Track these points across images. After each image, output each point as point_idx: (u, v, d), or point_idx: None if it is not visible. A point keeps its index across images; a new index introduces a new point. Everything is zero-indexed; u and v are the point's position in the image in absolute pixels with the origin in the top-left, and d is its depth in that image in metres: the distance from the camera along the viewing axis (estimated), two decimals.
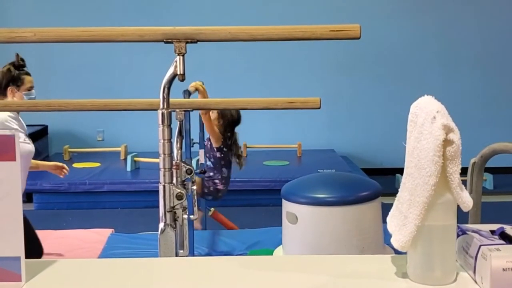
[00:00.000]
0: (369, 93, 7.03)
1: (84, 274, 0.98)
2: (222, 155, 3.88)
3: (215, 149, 3.86)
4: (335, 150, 6.87)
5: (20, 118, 3.08)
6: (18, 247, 0.87)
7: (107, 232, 4.42)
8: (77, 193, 5.40)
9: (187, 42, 1.33)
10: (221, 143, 3.87)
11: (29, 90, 3.04)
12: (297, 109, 2.05)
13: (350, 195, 3.32)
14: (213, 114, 3.89)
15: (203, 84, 3.78)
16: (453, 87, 6.79)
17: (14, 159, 0.85)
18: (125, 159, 6.16)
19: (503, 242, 0.89)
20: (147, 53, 6.30)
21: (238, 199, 5.51)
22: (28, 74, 3.08)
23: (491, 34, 6.94)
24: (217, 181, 3.92)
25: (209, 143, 3.94)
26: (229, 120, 3.89)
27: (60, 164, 3.39)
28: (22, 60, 3.07)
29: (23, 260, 0.88)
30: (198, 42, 1.35)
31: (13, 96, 2.97)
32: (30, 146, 3.04)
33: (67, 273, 0.97)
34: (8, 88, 2.97)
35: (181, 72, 1.33)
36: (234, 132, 3.97)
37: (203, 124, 4.22)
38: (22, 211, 0.87)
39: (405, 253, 0.93)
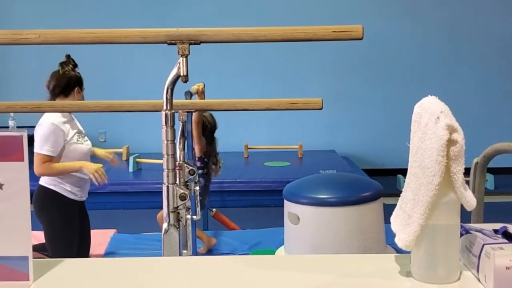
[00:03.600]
0: (370, 93, 7.03)
1: (90, 273, 0.99)
2: (202, 165, 3.86)
3: (196, 158, 3.85)
4: (336, 151, 6.87)
5: (74, 119, 3.11)
6: (26, 247, 0.88)
7: (110, 232, 4.43)
8: None
9: (190, 44, 1.33)
10: (203, 154, 3.86)
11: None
12: (299, 109, 2.06)
13: (351, 196, 3.32)
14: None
15: (204, 86, 3.79)
16: (455, 88, 6.79)
17: (22, 159, 0.86)
18: (127, 160, 6.16)
19: (506, 241, 0.89)
20: (150, 54, 6.31)
21: (240, 200, 5.52)
22: None
23: (494, 34, 6.94)
24: None
25: (192, 151, 3.91)
26: (209, 129, 3.88)
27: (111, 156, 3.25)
28: (74, 60, 3.10)
29: (31, 260, 0.89)
30: (201, 44, 1.36)
31: (76, 97, 3.02)
32: (82, 146, 3.06)
33: (73, 272, 0.98)
34: (76, 89, 3.03)
35: (184, 74, 1.34)
36: (214, 138, 3.96)
37: None
38: (30, 211, 0.88)
39: (407, 252, 0.93)
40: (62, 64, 3.04)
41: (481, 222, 1.73)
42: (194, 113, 3.71)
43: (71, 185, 3.03)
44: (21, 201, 0.87)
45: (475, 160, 1.99)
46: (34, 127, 3.02)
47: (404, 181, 0.97)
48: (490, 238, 0.90)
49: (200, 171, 3.83)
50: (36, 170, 2.94)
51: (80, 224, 3.15)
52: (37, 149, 2.92)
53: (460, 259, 0.94)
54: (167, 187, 1.37)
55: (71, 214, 3.08)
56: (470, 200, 0.89)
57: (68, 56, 3.07)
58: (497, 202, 5.12)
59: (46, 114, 2.97)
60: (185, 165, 1.94)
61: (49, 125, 2.91)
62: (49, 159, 2.92)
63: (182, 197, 1.39)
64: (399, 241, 0.91)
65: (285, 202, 3.48)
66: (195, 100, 3.38)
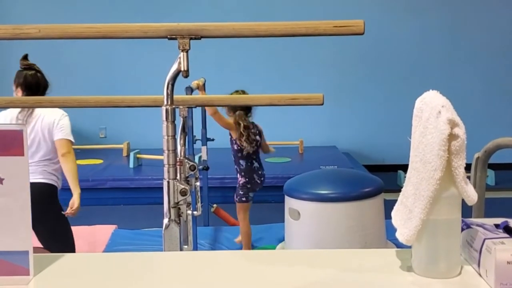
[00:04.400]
0: (371, 89, 7.03)
1: (90, 267, 0.99)
2: (238, 147, 3.87)
3: (234, 141, 3.86)
4: (337, 147, 6.87)
5: None
6: (26, 242, 0.88)
7: (110, 228, 4.43)
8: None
9: (191, 39, 1.33)
10: (240, 134, 3.86)
11: None
12: (300, 105, 2.05)
13: (352, 191, 3.33)
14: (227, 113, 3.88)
15: (205, 81, 3.78)
16: (456, 83, 6.79)
17: (22, 154, 0.86)
18: (128, 156, 6.17)
19: (508, 235, 0.89)
20: (151, 50, 6.30)
21: None
22: None
23: (495, 30, 6.93)
24: (238, 175, 3.92)
25: (229, 137, 3.93)
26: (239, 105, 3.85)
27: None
28: None
29: (31, 254, 0.89)
30: (202, 39, 1.35)
31: None
32: None
33: (74, 267, 0.98)
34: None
35: (185, 69, 1.33)
36: (250, 111, 3.93)
37: (205, 120, 4.22)
38: (30, 205, 0.88)
39: (408, 247, 0.93)
40: (34, 66, 3.10)
41: (482, 217, 1.73)
42: (206, 109, 3.72)
43: (61, 178, 3.09)
44: (22, 196, 0.87)
45: (476, 155, 1.99)
46: None
47: (404, 177, 0.97)
48: (491, 232, 0.90)
49: (239, 154, 3.86)
50: (70, 153, 3.07)
51: None
52: (68, 135, 3.05)
53: (461, 254, 0.93)
54: (168, 182, 1.37)
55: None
56: (471, 195, 0.89)
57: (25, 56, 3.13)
58: (498, 198, 5.12)
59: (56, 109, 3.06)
60: (186, 160, 1.94)
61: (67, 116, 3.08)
62: None
63: (183, 193, 1.39)
64: (400, 236, 0.91)
65: (286, 197, 3.49)
66: (196, 95, 3.38)
